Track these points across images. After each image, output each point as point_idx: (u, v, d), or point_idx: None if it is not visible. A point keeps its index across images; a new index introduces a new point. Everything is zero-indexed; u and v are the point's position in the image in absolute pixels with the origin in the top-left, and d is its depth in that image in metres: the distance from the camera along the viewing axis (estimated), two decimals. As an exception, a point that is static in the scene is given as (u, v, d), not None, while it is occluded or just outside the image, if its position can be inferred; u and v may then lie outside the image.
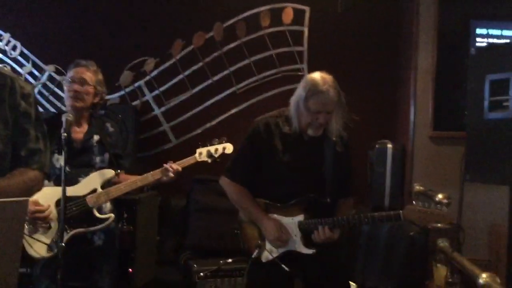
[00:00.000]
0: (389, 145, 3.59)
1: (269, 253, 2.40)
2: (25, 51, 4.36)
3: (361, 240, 3.43)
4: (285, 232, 2.40)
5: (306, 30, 4.15)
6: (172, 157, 2.81)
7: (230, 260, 3.28)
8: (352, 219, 2.32)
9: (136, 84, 4.30)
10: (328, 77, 2.37)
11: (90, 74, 2.67)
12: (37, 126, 1.90)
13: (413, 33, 3.58)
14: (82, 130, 2.67)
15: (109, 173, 2.63)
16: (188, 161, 2.76)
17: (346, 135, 2.55)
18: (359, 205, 3.56)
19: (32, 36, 4.37)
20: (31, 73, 4.37)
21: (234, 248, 2.64)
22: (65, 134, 2.36)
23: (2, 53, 4.38)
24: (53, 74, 4.33)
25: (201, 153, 2.78)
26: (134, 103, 4.30)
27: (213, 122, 4.24)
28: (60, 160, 2.53)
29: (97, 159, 2.66)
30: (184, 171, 3.83)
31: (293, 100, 2.44)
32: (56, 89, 4.35)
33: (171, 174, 2.64)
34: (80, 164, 2.60)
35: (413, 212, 2.22)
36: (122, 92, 4.31)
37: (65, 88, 2.67)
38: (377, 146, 3.63)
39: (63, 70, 4.32)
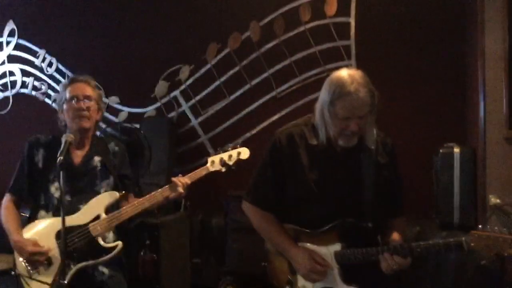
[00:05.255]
0: (456, 149, 3.06)
1: None
2: (61, 67, 4.30)
3: (428, 266, 2.93)
4: (320, 262, 2.01)
5: (352, 21, 3.64)
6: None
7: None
8: (401, 248, 1.91)
9: (172, 95, 4.05)
10: (356, 74, 1.97)
11: (91, 89, 2.47)
12: None
13: (478, 13, 2.97)
14: (83, 152, 2.44)
15: (112, 195, 2.35)
16: (199, 172, 2.41)
17: (391, 141, 2.15)
18: (424, 222, 3.13)
19: (66, 51, 4.35)
20: (67, 89, 4.29)
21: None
22: (62, 157, 2.13)
23: (39, 71, 4.35)
24: (89, 88, 4.19)
25: (214, 162, 2.42)
26: (171, 114, 4.06)
27: (253, 131, 3.86)
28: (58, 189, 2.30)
29: (102, 183, 2.41)
30: (221, 187, 3.60)
31: (317, 106, 2.06)
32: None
33: (180, 190, 2.32)
34: (82, 190, 2.36)
35: (480, 239, 1.80)
36: (158, 104, 4.09)
37: (65, 108, 2.42)
38: (441, 150, 3.10)
39: (99, 85, 4.16)
